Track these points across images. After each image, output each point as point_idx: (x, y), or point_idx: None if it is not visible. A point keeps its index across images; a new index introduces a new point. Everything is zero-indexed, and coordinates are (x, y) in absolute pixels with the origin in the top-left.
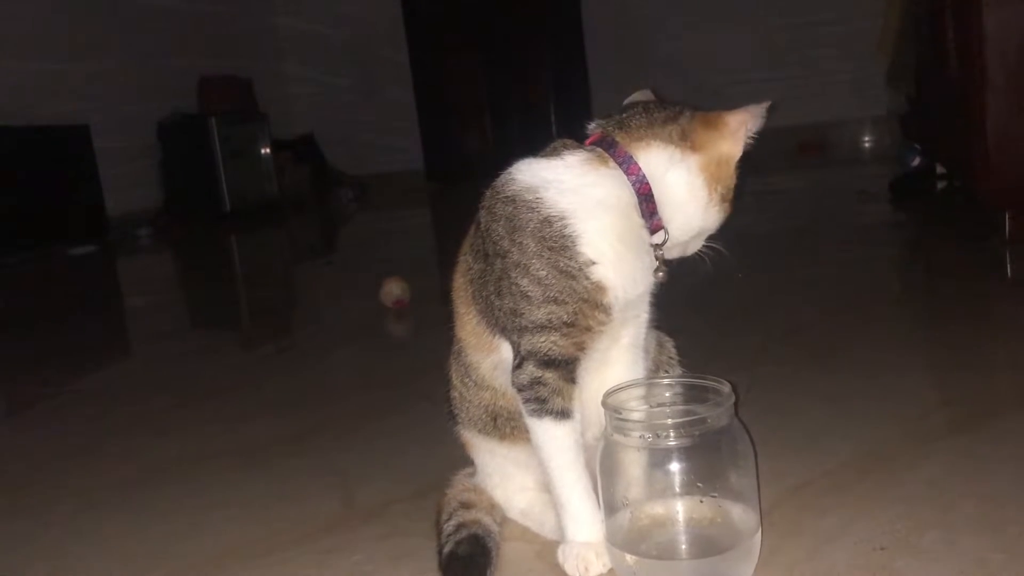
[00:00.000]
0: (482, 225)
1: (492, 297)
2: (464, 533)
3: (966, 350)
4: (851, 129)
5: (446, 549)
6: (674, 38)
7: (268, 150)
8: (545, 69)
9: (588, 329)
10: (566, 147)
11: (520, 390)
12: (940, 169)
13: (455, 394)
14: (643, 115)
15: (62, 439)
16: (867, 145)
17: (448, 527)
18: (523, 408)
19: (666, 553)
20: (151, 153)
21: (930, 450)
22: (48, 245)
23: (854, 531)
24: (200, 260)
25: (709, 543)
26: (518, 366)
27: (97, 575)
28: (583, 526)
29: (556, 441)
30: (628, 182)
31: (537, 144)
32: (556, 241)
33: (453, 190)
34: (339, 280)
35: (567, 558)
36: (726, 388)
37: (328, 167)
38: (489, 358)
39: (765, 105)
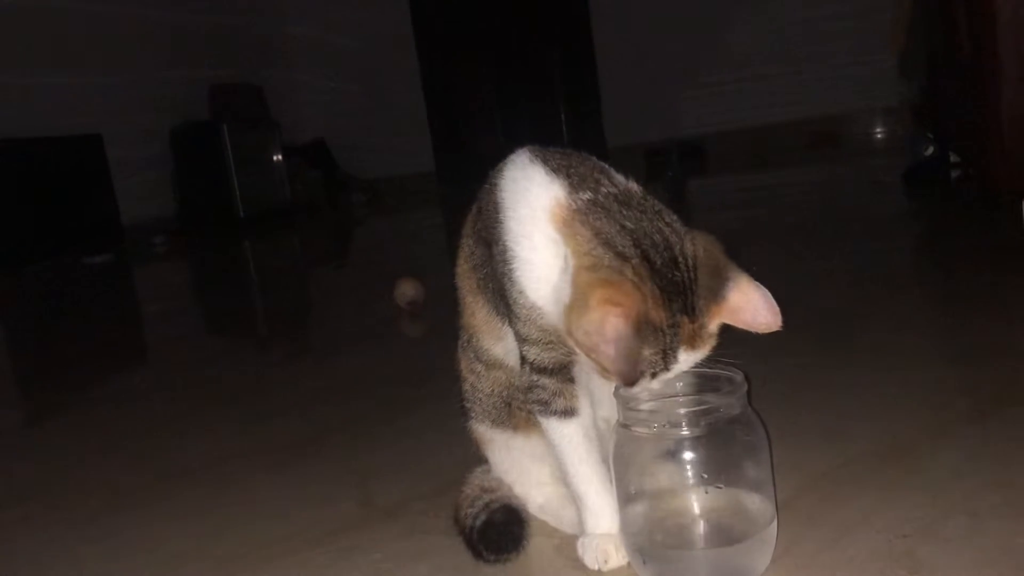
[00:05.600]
0: (480, 210)
1: (495, 288)
2: (497, 504)
3: (984, 338)
4: (863, 120)
5: (480, 519)
6: (684, 36)
7: (280, 156)
8: (555, 69)
9: (567, 346)
10: (558, 177)
11: (524, 391)
12: (954, 158)
13: (466, 386)
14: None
15: (83, 443)
16: (879, 136)
17: (476, 506)
18: (531, 407)
19: (682, 543)
20: (164, 162)
21: (950, 438)
22: (64, 255)
23: (876, 520)
24: (215, 267)
25: (725, 533)
26: (521, 365)
27: None
28: (601, 518)
29: (566, 438)
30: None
31: (547, 143)
32: (510, 273)
33: (464, 191)
34: (353, 282)
35: (586, 551)
36: (739, 377)
37: (340, 172)
38: (500, 343)
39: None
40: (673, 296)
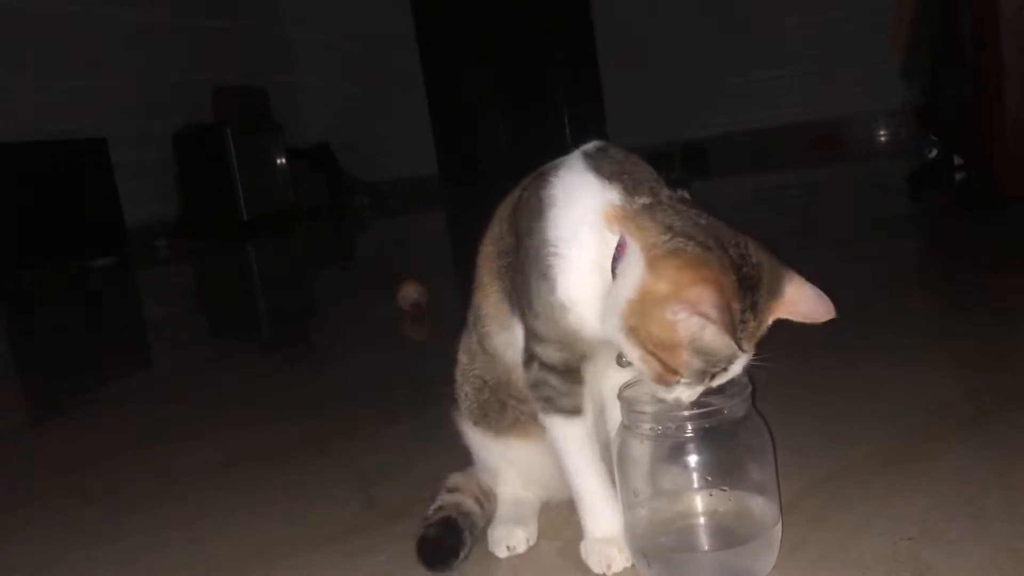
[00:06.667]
0: (521, 200)
1: (515, 280)
2: (437, 516)
3: (988, 341)
4: (866, 122)
5: (419, 533)
6: (687, 39)
7: (283, 159)
8: (557, 70)
9: (581, 348)
10: (610, 183)
11: (530, 387)
12: (958, 160)
13: (457, 372)
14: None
15: (86, 446)
16: (883, 138)
17: (429, 512)
18: (534, 405)
19: (686, 546)
20: (168, 165)
21: (955, 440)
22: (67, 258)
23: (880, 522)
24: (218, 269)
25: (729, 535)
26: (527, 362)
27: None
28: (602, 521)
29: (568, 438)
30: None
31: (550, 144)
32: (545, 270)
33: (468, 193)
34: (356, 285)
35: (590, 554)
36: (743, 379)
37: (343, 175)
38: (503, 334)
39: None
40: (746, 291)
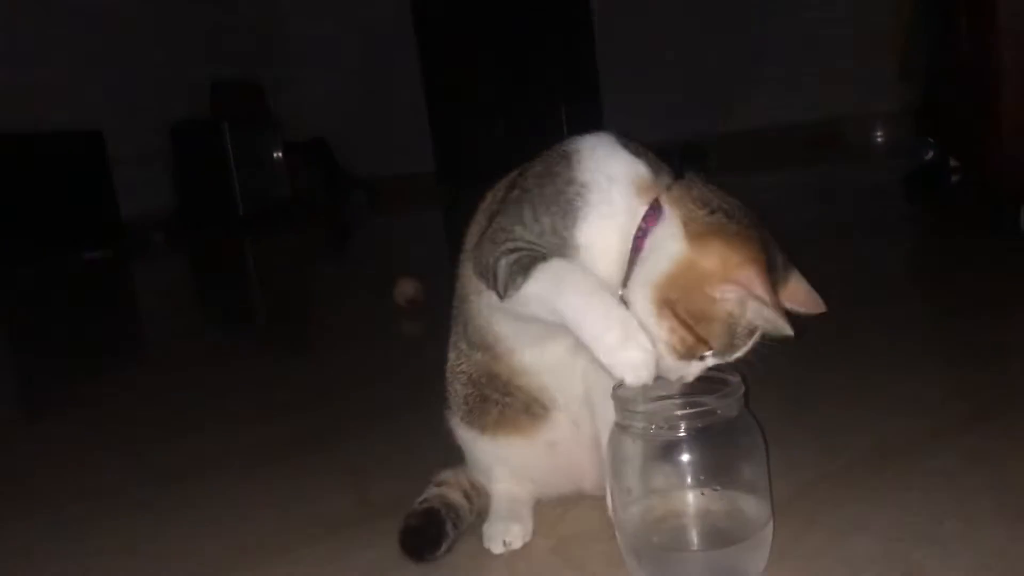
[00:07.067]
0: (532, 162)
1: (500, 209)
2: (421, 508)
3: (982, 343)
4: (864, 124)
5: (401, 525)
6: (685, 36)
7: (280, 154)
8: (556, 69)
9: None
10: (638, 165)
11: (504, 290)
12: (954, 162)
13: (447, 368)
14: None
15: (79, 440)
16: (879, 140)
17: (414, 505)
18: (510, 290)
19: (678, 545)
20: (165, 158)
21: (946, 442)
22: (63, 250)
23: (872, 523)
24: (214, 263)
25: (721, 535)
26: (494, 280)
27: (113, 573)
28: (617, 329)
29: (554, 267)
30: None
31: (548, 143)
32: (566, 206)
33: (465, 191)
34: (352, 281)
35: (624, 368)
36: (735, 379)
37: (340, 171)
38: (483, 298)
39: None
40: (771, 272)
